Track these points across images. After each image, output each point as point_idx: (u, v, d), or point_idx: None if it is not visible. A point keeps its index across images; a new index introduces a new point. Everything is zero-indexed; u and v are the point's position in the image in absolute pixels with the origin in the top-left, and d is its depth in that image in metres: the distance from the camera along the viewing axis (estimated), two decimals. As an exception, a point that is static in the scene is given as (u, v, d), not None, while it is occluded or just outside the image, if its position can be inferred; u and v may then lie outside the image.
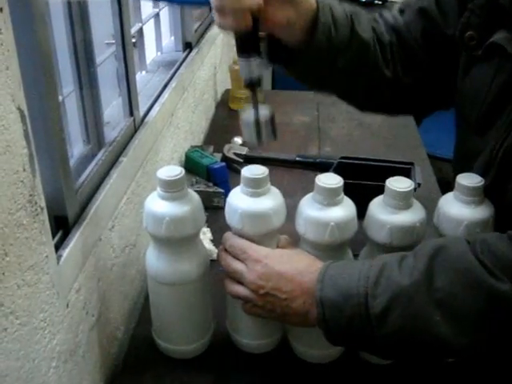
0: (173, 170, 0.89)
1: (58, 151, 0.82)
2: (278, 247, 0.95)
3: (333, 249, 0.89)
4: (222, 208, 1.42)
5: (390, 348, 0.81)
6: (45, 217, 0.74)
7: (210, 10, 0.89)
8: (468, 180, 0.88)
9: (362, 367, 0.98)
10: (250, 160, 1.64)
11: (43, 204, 0.74)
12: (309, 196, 0.90)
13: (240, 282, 0.90)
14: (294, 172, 1.62)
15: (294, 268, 0.87)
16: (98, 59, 1.15)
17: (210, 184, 1.44)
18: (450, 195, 0.91)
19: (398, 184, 0.87)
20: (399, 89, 1.04)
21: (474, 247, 0.76)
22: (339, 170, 1.44)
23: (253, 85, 0.87)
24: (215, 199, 1.42)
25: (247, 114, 0.88)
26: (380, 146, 1.79)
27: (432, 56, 1.01)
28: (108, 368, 1.03)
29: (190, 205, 0.90)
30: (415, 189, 1.33)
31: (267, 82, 2.84)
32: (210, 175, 1.45)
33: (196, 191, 1.38)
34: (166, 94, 1.36)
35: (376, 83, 1.02)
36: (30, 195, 0.69)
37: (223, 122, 1.93)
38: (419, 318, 0.76)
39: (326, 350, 0.97)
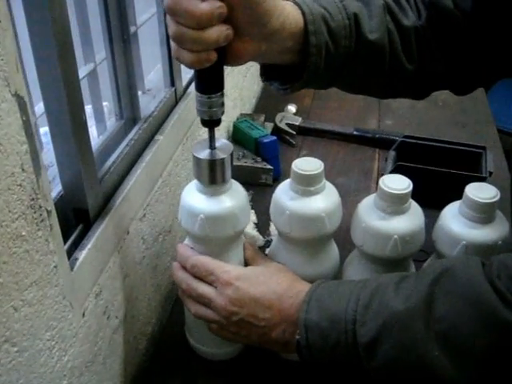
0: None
1: (76, 135, 0.70)
2: (244, 258, 0.83)
3: (394, 263, 0.76)
4: (270, 185, 1.31)
5: (378, 382, 0.67)
6: (53, 220, 0.63)
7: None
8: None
9: None
10: (303, 131, 1.51)
11: (51, 206, 0.62)
12: (369, 199, 0.77)
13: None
14: (350, 147, 1.48)
15: (271, 291, 0.74)
16: (142, 18, 1.02)
17: (259, 159, 1.31)
18: None
19: (479, 193, 0.72)
20: (424, 79, 0.85)
21: (490, 270, 0.61)
22: (401, 149, 1.32)
23: (212, 124, 0.72)
24: (263, 176, 1.30)
25: (201, 153, 0.73)
26: (446, 121, 1.62)
27: (481, 30, 0.80)
28: (135, 366, 0.94)
29: (231, 202, 0.77)
30: (485, 178, 1.18)
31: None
32: (259, 149, 1.32)
33: (242, 166, 1.29)
34: (212, 60, 1.22)
35: (395, 79, 0.83)
36: (32, 199, 0.57)
37: (277, 87, 1.78)
38: (414, 351, 0.62)
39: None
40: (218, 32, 0.62)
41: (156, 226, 0.96)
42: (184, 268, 0.80)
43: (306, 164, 0.76)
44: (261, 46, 0.69)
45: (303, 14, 0.72)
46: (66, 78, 0.66)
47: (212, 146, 0.73)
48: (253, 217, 1.18)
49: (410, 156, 1.27)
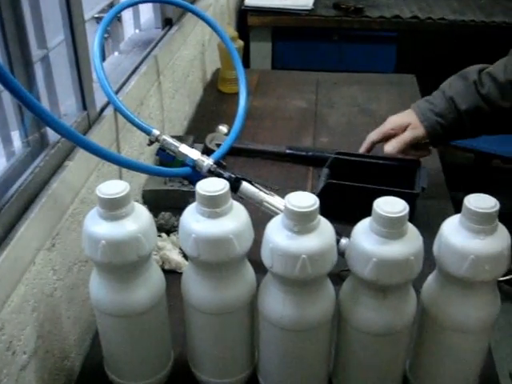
0: (115, 186, 0.73)
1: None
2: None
3: (306, 284, 0.73)
4: (198, 209, 1.27)
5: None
6: None
7: None
8: (479, 203, 0.71)
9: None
10: (235, 152, 1.48)
11: None
12: (277, 219, 0.74)
13: None
14: (283, 166, 1.46)
15: None
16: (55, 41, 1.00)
17: (186, 182, 1.27)
18: (455, 219, 0.74)
19: (387, 207, 0.70)
20: None
21: None
22: (334, 166, 1.30)
23: None
24: (191, 199, 1.25)
25: None
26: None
27: None
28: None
29: (134, 226, 0.74)
30: (418, 194, 1.17)
31: (267, 61, 2.66)
32: (186, 172, 1.29)
33: (169, 190, 1.25)
34: (132, 81, 1.19)
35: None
36: None
37: (210, 107, 1.76)
38: None
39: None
40: None
41: (69, 256, 0.92)
42: None
43: (210, 185, 0.73)
44: None
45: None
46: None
47: None
48: (178, 242, 1.15)
49: (344, 173, 1.26)
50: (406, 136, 1.25)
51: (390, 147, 1.26)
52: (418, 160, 1.29)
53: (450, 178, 1.44)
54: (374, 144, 1.32)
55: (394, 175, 1.26)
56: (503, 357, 2.20)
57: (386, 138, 1.29)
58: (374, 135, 1.32)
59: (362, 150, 1.33)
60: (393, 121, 1.29)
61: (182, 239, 0.77)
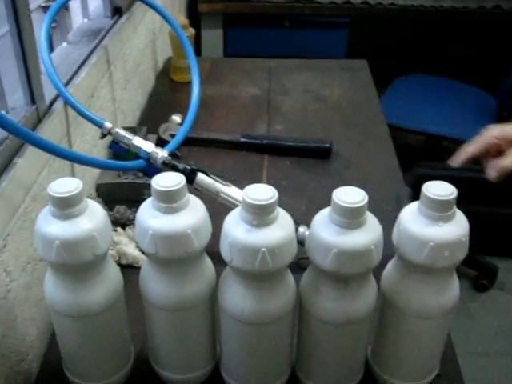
0: (67, 184, 0.70)
1: None
2: None
3: (267, 277, 0.72)
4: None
5: None
6: None
7: None
8: (436, 190, 0.71)
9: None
10: (189, 142, 1.45)
11: None
12: (235, 213, 0.72)
13: None
14: (239, 155, 1.45)
15: None
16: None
17: (140, 174, 1.25)
18: (413, 207, 0.74)
19: (346, 198, 0.69)
20: None
21: None
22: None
23: None
24: (146, 191, 1.24)
25: None
26: (337, 122, 1.61)
27: None
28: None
29: (89, 224, 0.72)
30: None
31: (219, 49, 2.64)
32: (141, 164, 1.27)
33: (123, 183, 1.23)
34: (82, 73, 1.16)
35: None
36: None
37: (163, 97, 1.74)
38: None
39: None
40: None
41: (22, 256, 0.89)
42: None
43: (166, 180, 0.72)
44: None
45: None
46: None
47: None
48: (135, 236, 1.13)
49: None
50: None
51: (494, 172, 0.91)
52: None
53: (403, 160, 1.44)
54: (471, 158, 0.97)
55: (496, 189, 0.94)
56: (460, 334, 2.25)
57: (487, 151, 0.96)
58: (471, 147, 0.97)
59: (454, 163, 0.97)
60: (498, 129, 0.98)
61: (138, 236, 0.75)
